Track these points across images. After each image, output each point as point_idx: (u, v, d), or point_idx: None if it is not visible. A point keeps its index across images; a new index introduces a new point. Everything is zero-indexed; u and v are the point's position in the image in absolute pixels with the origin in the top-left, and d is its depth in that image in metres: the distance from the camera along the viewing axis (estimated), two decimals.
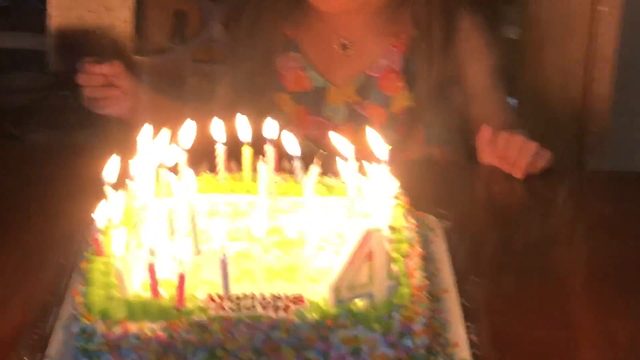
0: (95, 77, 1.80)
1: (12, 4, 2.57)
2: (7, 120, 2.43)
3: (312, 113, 1.89)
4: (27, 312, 1.21)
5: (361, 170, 1.28)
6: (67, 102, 2.82)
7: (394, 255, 1.12)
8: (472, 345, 1.14)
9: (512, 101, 2.09)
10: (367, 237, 1.04)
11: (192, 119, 1.33)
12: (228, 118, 1.35)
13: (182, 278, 1.05)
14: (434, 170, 1.48)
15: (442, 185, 1.56)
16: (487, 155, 1.70)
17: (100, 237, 1.15)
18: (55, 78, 2.46)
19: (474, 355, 1.12)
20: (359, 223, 1.24)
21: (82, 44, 2.08)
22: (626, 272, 1.38)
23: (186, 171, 1.24)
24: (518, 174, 1.66)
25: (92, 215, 1.16)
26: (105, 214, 1.16)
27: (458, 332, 1.16)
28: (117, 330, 1.04)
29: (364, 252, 1.05)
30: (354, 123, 1.86)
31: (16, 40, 2.42)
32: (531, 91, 2.09)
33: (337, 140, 1.27)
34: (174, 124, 1.34)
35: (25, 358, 1.11)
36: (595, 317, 1.26)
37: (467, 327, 1.17)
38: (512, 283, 1.34)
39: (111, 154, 1.24)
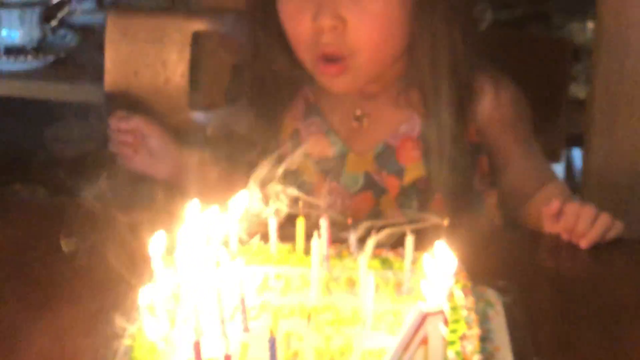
0: (118, 133, 1.78)
1: (69, 57, 2.57)
2: (61, 170, 2.41)
3: (328, 180, 1.78)
4: None
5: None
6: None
7: (450, 337, 1.07)
8: None
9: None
10: (422, 321, 0.99)
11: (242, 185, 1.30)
12: None
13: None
14: (493, 239, 1.41)
15: (503, 255, 1.49)
16: (552, 226, 1.63)
17: (146, 314, 1.11)
18: None
19: None
20: (414, 303, 1.18)
21: (137, 99, 2.06)
22: None
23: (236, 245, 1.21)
24: (584, 244, 1.58)
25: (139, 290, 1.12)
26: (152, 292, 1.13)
27: None
28: None
29: (419, 337, 1.00)
30: (370, 192, 1.77)
31: (73, 92, 2.40)
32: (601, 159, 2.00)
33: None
34: (222, 190, 1.30)
35: None
36: None
37: None
38: None
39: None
